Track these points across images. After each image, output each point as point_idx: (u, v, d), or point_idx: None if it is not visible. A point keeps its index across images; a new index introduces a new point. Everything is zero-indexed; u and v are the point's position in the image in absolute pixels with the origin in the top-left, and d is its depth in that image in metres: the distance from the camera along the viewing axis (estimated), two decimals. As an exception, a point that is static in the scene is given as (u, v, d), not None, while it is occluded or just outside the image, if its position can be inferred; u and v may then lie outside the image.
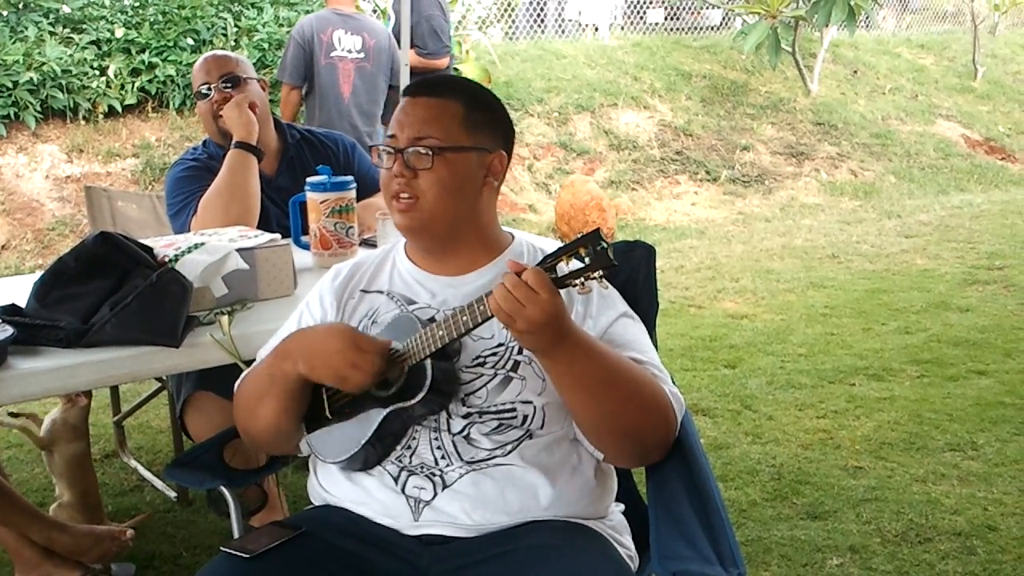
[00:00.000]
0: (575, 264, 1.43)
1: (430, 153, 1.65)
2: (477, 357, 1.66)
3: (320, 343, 1.62)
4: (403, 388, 1.60)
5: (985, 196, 8.97)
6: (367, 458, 1.65)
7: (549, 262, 1.45)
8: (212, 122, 2.80)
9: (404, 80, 5.07)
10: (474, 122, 1.70)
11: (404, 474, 1.64)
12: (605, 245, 1.41)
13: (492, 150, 1.72)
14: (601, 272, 1.42)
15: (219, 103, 2.77)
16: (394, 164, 1.68)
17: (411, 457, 1.64)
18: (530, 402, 1.64)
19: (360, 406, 1.64)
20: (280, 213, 2.79)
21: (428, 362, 1.59)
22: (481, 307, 1.49)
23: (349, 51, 5.13)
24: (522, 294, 1.42)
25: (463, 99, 1.71)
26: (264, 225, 2.64)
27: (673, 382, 1.69)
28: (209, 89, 2.80)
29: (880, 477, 3.26)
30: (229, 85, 2.79)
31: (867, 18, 11.39)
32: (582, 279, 1.43)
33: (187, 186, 2.73)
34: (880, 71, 11.34)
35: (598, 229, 1.45)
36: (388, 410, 1.61)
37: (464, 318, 1.52)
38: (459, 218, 1.71)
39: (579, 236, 1.44)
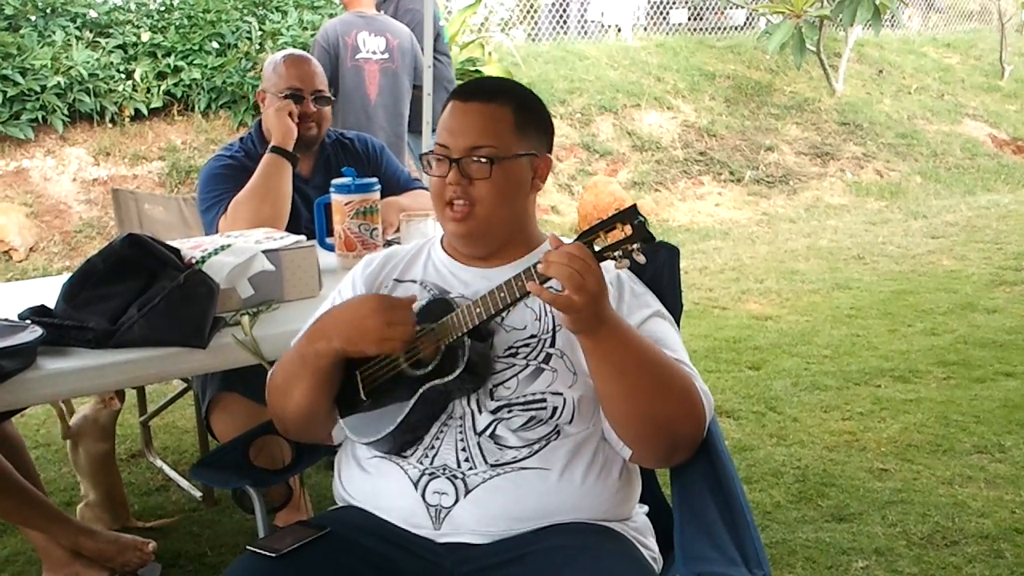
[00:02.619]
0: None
1: (489, 164, 1.67)
2: (509, 348, 1.67)
3: (353, 313, 1.64)
4: (439, 367, 1.61)
5: (1013, 196, 8.89)
6: (402, 440, 1.65)
7: (587, 238, 1.46)
8: (280, 123, 2.82)
9: (427, 81, 5.08)
10: (524, 126, 1.72)
11: (425, 478, 1.64)
12: (643, 219, 1.42)
13: (540, 154, 1.75)
14: (639, 244, 1.42)
15: (303, 115, 2.82)
16: (448, 172, 1.69)
17: (433, 459, 1.64)
18: (560, 394, 1.64)
19: (395, 386, 1.65)
20: (310, 218, 2.81)
21: (465, 340, 1.59)
22: (519, 283, 1.50)
23: (374, 52, 5.14)
24: (580, 267, 1.43)
25: (513, 103, 1.72)
26: (295, 225, 2.67)
27: (699, 383, 1.69)
28: (299, 95, 2.82)
29: (906, 479, 3.23)
30: (322, 103, 2.86)
31: (892, 17, 11.32)
32: (621, 251, 1.43)
33: (220, 184, 2.76)
34: (906, 70, 11.26)
35: (635, 204, 1.46)
36: (424, 388, 1.61)
37: (502, 294, 1.53)
38: (512, 221, 1.74)
39: (616, 212, 1.44)
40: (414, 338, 1.61)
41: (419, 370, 1.63)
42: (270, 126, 2.79)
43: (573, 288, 1.43)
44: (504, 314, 1.59)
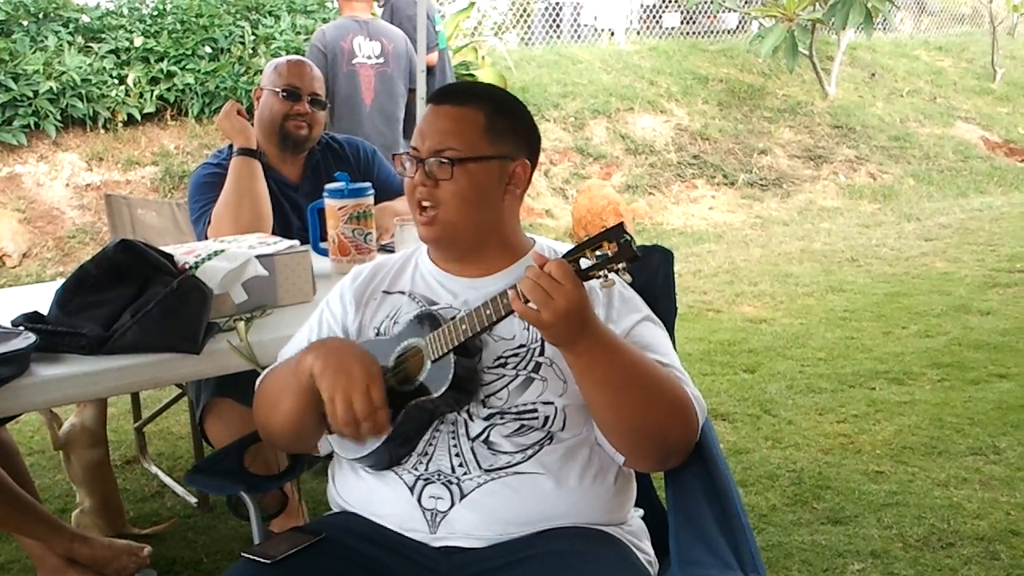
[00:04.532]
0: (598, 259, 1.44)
1: (450, 164, 1.66)
2: (499, 358, 1.66)
3: (343, 357, 1.59)
4: (425, 384, 1.60)
5: (1005, 199, 8.92)
6: (388, 456, 1.65)
7: (573, 255, 1.45)
8: (274, 120, 2.83)
9: (421, 84, 5.09)
10: (496, 130, 1.70)
11: (420, 483, 1.63)
12: (629, 238, 1.41)
13: (514, 158, 1.73)
14: (625, 264, 1.42)
15: (296, 114, 2.83)
16: (416, 173, 1.70)
17: (428, 464, 1.63)
18: (551, 403, 1.64)
19: None
20: (301, 225, 2.80)
21: (451, 357, 1.59)
22: (504, 300, 1.50)
23: (369, 57, 5.14)
24: (547, 284, 1.43)
25: (485, 107, 1.71)
26: (285, 234, 2.65)
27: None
28: (296, 93, 2.83)
29: (901, 482, 3.24)
30: (317, 107, 2.87)
31: (884, 20, 11.35)
32: (605, 271, 1.43)
33: (207, 193, 2.75)
34: (898, 73, 11.29)
35: (621, 223, 1.45)
36: (410, 405, 1.60)
37: (488, 311, 1.52)
38: (481, 227, 1.72)
39: (603, 230, 1.44)
40: (348, 431, 1.56)
41: (406, 386, 1.62)
42: (224, 131, 2.77)
43: (540, 305, 1.44)
44: (490, 330, 1.58)
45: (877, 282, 6.02)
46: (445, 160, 1.67)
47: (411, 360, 1.63)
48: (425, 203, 1.69)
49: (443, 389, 1.58)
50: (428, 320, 1.65)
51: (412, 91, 5.28)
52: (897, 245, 7.07)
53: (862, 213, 8.37)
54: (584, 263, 1.44)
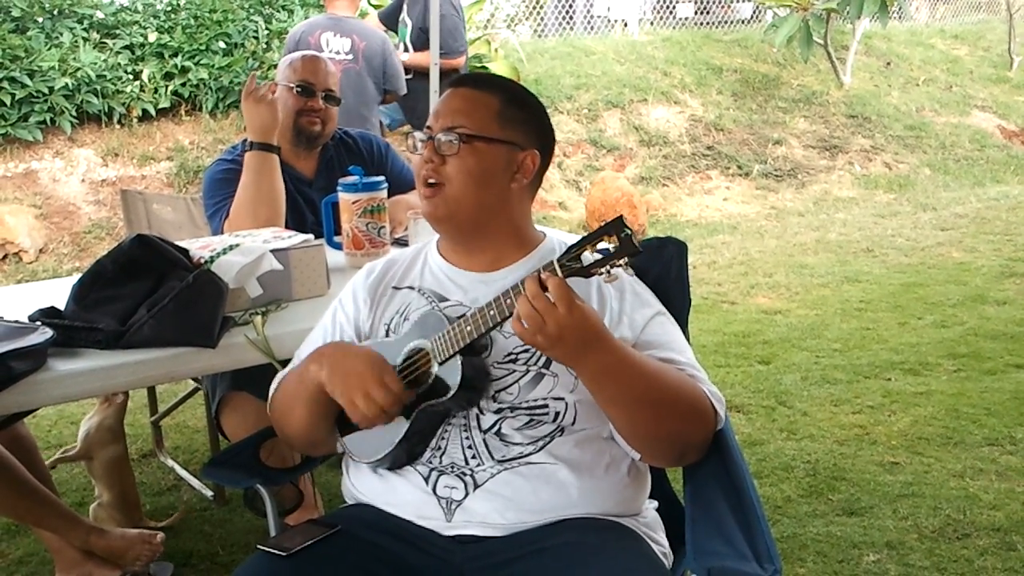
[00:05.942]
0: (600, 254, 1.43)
1: (458, 140, 1.68)
2: (509, 354, 1.66)
3: (348, 360, 1.62)
4: (434, 385, 1.61)
5: (1022, 188, 8.85)
6: (401, 457, 1.66)
7: (574, 252, 1.44)
8: (288, 116, 2.81)
9: (434, 78, 5.06)
10: (508, 117, 1.71)
11: (435, 474, 1.64)
12: (629, 231, 1.40)
13: (524, 147, 1.72)
14: (627, 259, 1.41)
15: (310, 110, 2.83)
16: (425, 149, 1.71)
17: (441, 457, 1.64)
18: (562, 399, 1.64)
19: None
20: (315, 220, 2.80)
21: (458, 358, 1.58)
22: (508, 301, 1.49)
23: (337, 52, 5.09)
24: (541, 306, 1.42)
25: (501, 94, 1.73)
26: (300, 226, 2.66)
27: (707, 380, 1.68)
28: (310, 89, 2.83)
29: (917, 472, 3.23)
30: (331, 103, 2.88)
31: (899, 9, 11.28)
32: (608, 267, 1.42)
33: (223, 189, 2.75)
34: (914, 62, 11.21)
35: (621, 216, 1.43)
36: (419, 408, 1.61)
37: (491, 312, 1.52)
38: (484, 210, 1.71)
39: (602, 224, 1.42)
40: (377, 423, 1.58)
41: (416, 389, 1.62)
42: (250, 119, 2.66)
43: (533, 328, 1.43)
44: (496, 329, 1.57)
45: (893, 272, 5.99)
46: (454, 137, 1.68)
47: (418, 363, 1.63)
48: (431, 180, 1.70)
49: (451, 392, 1.58)
50: (433, 321, 1.65)
51: (388, 93, 5.21)
52: (913, 235, 7.04)
53: (878, 203, 8.33)
54: (586, 259, 1.43)
